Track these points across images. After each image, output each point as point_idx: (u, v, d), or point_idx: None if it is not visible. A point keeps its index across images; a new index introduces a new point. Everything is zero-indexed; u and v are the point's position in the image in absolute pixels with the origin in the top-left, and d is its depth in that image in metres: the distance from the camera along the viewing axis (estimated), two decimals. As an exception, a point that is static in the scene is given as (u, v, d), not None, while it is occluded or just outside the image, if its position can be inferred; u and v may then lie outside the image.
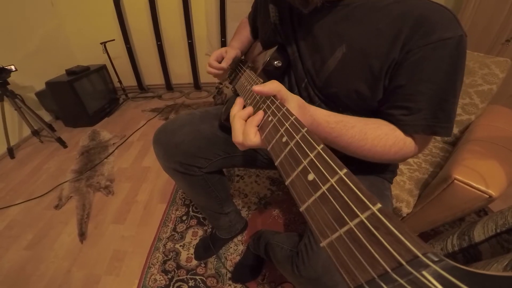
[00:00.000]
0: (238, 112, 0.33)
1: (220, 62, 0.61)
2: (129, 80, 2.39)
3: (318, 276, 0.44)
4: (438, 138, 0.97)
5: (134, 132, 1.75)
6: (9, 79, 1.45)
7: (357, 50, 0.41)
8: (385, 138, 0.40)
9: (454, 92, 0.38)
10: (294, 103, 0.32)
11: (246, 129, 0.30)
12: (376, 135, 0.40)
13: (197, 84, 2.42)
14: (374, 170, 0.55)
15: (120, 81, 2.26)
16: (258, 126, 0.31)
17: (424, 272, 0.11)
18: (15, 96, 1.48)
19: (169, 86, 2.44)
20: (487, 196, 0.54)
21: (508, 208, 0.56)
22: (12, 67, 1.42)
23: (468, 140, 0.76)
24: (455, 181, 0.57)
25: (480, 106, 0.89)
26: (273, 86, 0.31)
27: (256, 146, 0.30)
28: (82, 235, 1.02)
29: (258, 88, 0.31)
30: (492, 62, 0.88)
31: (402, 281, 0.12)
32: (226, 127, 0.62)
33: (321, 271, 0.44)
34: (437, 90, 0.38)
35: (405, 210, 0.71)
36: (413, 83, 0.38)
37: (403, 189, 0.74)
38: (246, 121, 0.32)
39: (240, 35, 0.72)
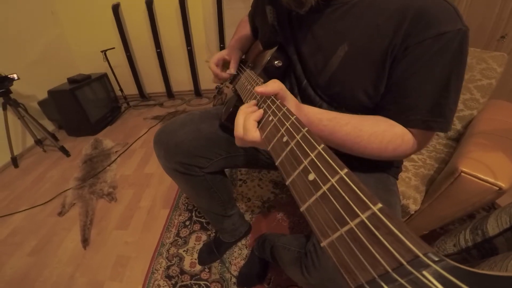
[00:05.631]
0: (243, 107, 0.34)
1: (220, 66, 0.62)
2: (130, 88, 2.41)
3: (330, 277, 0.43)
4: (442, 134, 0.97)
5: (136, 140, 1.76)
6: (11, 88, 1.46)
7: (359, 48, 0.41)
8: (382, 135, 0.39)
9: (452, 86, 0.37)
10: (292, 102, 0.33)
11: (246, 123, 0.31)
12: (372, 131, 0.39)
13: (197, 91, 2.43)
14: (378, 166, 0.54)
15: (121, 90, 2.28)
16: (257, 121, 0.31)
17: (424, 272, 0.11)
18: (18, 104, 1.50)
19: (170, 93, 2.46)
20: (497, 188, 0.52)
21: None
22: (15, 75, 1.44)
23: (472, 134, 0.75)
24: (462, 173, 0.56)
25: (481, 101, 0.89)
26: (275, 85, 0.31)
27: (255, 143, 0.31)
28: (85, 241, 1.02)
29: (260, 89, 0.31)
30: (489, 57, 0.89)
31: (402, 281, 0.12)
32: (226, 127, 0.61)
33: (332, 271, 0.43)
34: (433, 84, 0.37)
35: (413, 207, 0.69)
36: (409, 79, 0.38)
37: (409, 186, 0.73)
38: None
39: (240, 34, 0.71)
